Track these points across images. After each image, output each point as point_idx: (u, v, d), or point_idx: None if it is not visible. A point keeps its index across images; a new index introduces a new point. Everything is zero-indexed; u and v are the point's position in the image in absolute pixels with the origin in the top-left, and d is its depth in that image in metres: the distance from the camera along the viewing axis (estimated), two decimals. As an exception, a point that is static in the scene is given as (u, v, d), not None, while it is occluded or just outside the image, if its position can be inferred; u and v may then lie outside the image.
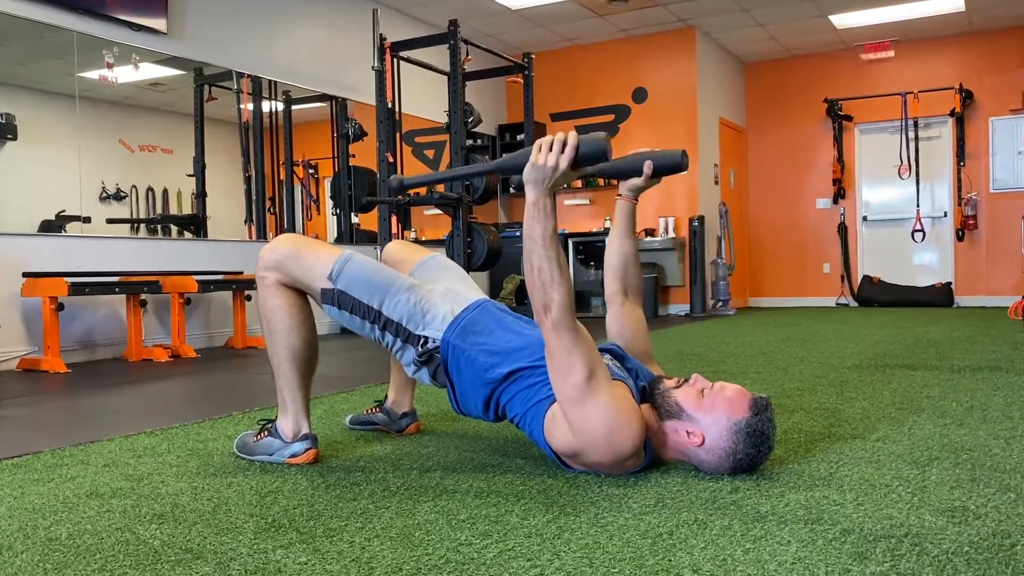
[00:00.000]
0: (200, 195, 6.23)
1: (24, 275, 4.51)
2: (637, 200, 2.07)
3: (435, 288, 2.03)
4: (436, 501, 1.63)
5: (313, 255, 2.01)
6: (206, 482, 1.84)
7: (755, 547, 1.31)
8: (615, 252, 2.13)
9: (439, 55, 6.69)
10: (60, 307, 4.44)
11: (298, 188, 7.47)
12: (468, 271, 6.47)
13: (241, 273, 5.70)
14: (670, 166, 1.89)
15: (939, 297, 8.94)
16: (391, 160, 6.55)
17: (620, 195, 2.06)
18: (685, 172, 1.90)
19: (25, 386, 3.86)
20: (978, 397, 2.76)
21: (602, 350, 1.94)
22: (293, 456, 2.01)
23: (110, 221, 5.58)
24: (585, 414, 1.66)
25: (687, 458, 1.79)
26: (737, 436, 1.71)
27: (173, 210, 6.06)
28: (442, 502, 1.62)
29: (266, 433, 2.06)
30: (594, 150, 1.69)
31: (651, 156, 1.92)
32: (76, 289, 4.41)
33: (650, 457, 1.79)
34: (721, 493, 1.63)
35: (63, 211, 5.22)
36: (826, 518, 1.46)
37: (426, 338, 1.94)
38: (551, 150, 1.67)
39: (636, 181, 1.97)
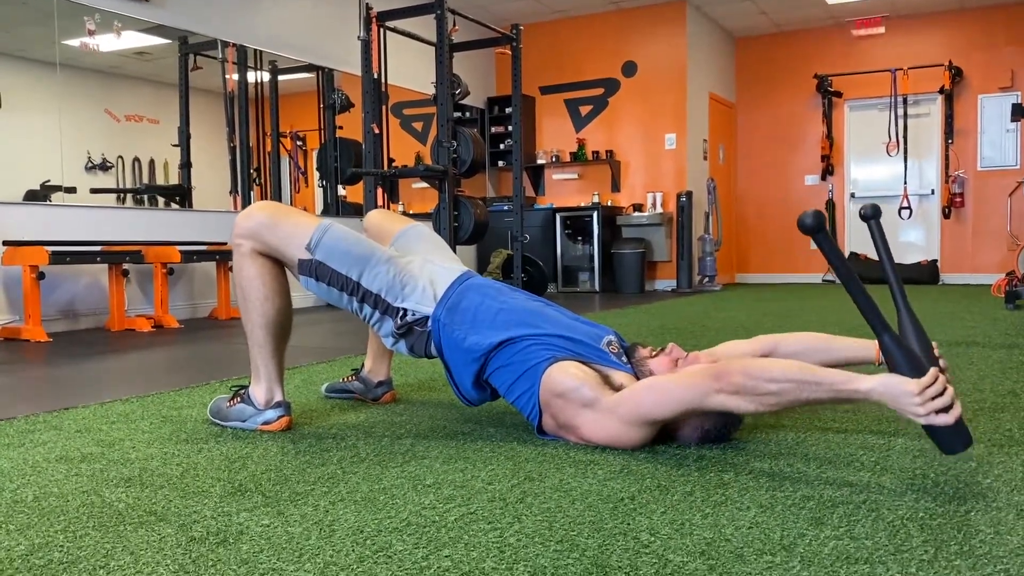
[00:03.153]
0: (185, 165, 6.18)
1: (4, 243, 4.49)
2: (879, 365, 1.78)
3: (414, 260, 2.03)
4: (404, 467, 1.64)
5: (291, 224, 1.99)
6: (177, 448, 1.85)
7: (714, 512, 1.33)
8: (805, 353, 1.94)
9: (426, 25, 6.63)
10: (41, 276, 4.42)
11: (285, 160, 7.43)
12: (455, 245, 6.47)
13: (225, 244, 5.67)
14: (941, 443, 1.53)
15: (925, 274, 8.98)
16: (377, 132, 6.52)
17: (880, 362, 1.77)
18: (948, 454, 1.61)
19: (5, 355, 3.85)
20: (952, 370, 2.77)
21: (605, 329, 1.95)
22: (266, 423, 2.02)
23: (94, 191, 5.54)
24: (620, 427, 1.69)
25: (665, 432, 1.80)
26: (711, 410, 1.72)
27: (160, 181, 6.02)
28: (410, 468, 1.63)
29: (239, 400, 2.06)
30: (949, 442, 1.50)
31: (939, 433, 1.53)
32: (57, 258, 4.39)
33: None
34: (686, 461, 1.64)
35: (48, 181, 5.18)
36: (787, 485, 1.47)
37: (405, 310, 1.94)
38: (933, 400, 1.45)
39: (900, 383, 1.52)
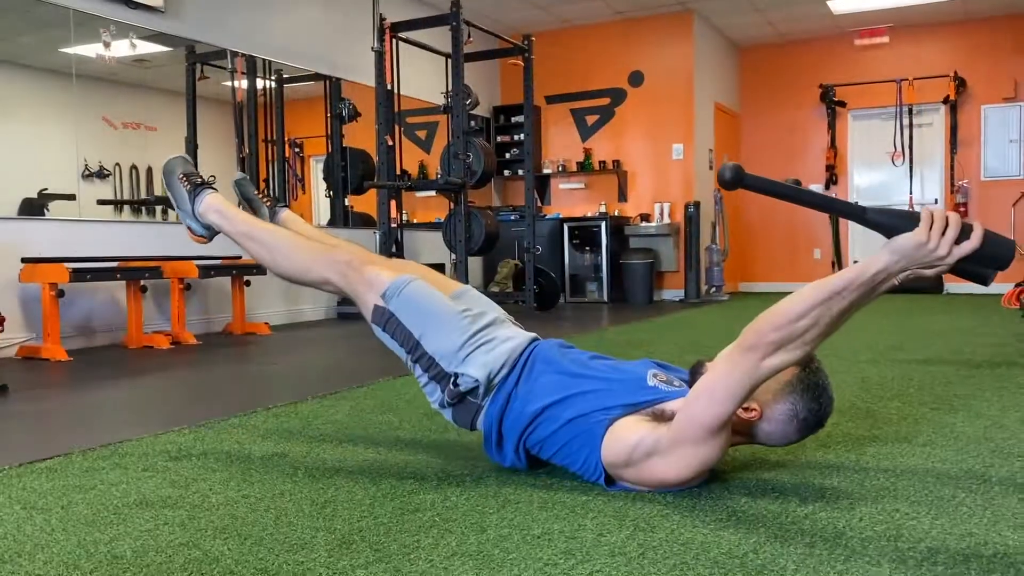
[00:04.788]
0: (193, 176, 6.09)
1: (23, 260, 4.41)
2: (900, 284, 1.51)
3: (486, 329, 1.93)
4: (501, 513, 1.60)
5: (375, 269, 1.98)
6: (256, 490, 1.80)
7: (847, 569, 1.29)
8: None
9: (437, 36, 6.60)
10: (60, 293, 4.35)
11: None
12: (466, 256, 6.43)
13: (240, 258, 5.60)
14: (973, 276, 1.42)
15: (929, 284, 9.01)
16: (390, 143, 6.48)
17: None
18: (985, 284, 1.45)
19: (29, 376, 3.78)
20: (1007, 397, 2.76)
21: (646, 363, 1.89)
22: (190, 229, 2.21)
23: (101, 202, 5.45)
24: (700, 446, 1.59)
25: (751, 437, 1.73)
26: (794, 395, 1.66)
27: (158, 190, 5.92)
28: (508, 515, 1.59)
29: (189, 185, 2.17)
30: (994, 255, 1.37)
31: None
32: (77, 275, 4.32)
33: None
34: (790, 506, 1.61)
35: (45, 189, 5.08)
36: (906, 535, 1.44)
37: (456, 375, 1.85)
38: (943, 234, 1.36)
39: (925, 272, 1.43)
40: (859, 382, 3.11)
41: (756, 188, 1.48)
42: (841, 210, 1.47)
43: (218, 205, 2.16)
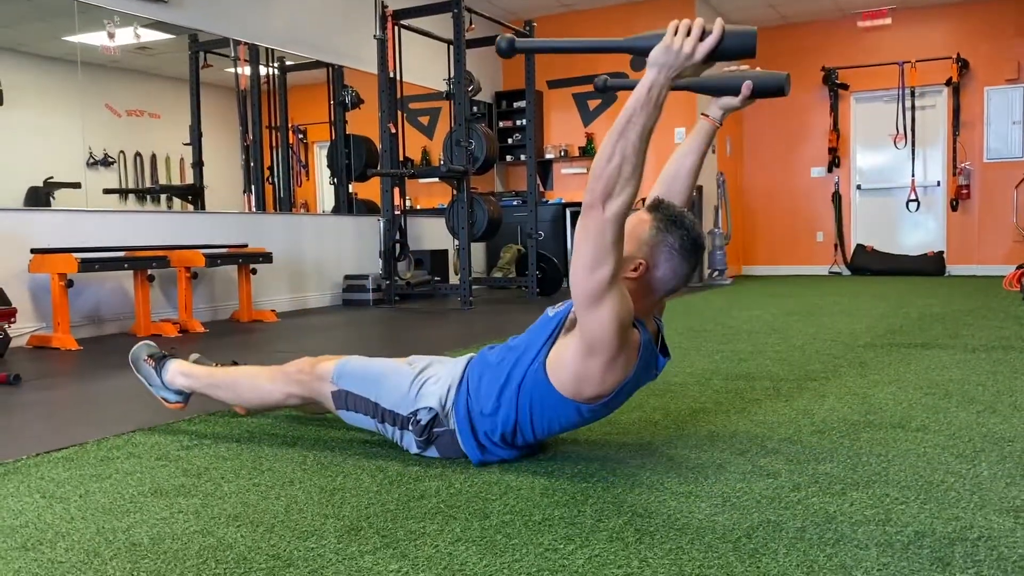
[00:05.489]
0: (197, 164, 6.14)
1: (32, 251, 4.46)
2: (721, 124, 1.97)
3: (428, 364, 2.05)
4: (504, 500, 1.65)
5: (321, 366, 2.08)
6: (267, 478, 1.85)
7: (836, 551, 1.35)
8: (672, 162, 2.02)
9: (439, 22, 6.61)
10: (70, 283, 4.40)
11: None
12: (470, 242, 6.47)
13: (246, 246, 5.66)
14: (772, 89, 1.76)
15: (931, 266, 9.04)
16: (393, 130, 6.51)
17: (706, 115, 1.95)
18: (786, 96, 1.78)
19: (40, 365, 3.84)
20: (1001, 380, 2.81)
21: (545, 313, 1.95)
22: (165, 400, 2.28)
23: (107, 191, 5.50)
24: (601, 310, 1.64)
25: (654, 294, 1.80)
26: (660, 235, 1.77)
27: (162, 176, 5.97)
28: (510, 501, 1.65)
29: (153, 362, 2.27)
30: (740, 45, 1.58)
31: (752, 77, 1.83)
32: (86, 265, 4.37)
33: (645, 331, 1.79)
34: (783, 491, 1.67)
35: (51, 177, 5.13)
36: (894, 519, 1.49)
37: (415, 411, 1.93)
38: (688, 35, 1.58)
39: (731, 101, 1.86)
40: (857, 368, 3.16)
41: (530, 50, 1.89)
42: (604, 47, 1.71)
43: (181, 369, 2.29)
